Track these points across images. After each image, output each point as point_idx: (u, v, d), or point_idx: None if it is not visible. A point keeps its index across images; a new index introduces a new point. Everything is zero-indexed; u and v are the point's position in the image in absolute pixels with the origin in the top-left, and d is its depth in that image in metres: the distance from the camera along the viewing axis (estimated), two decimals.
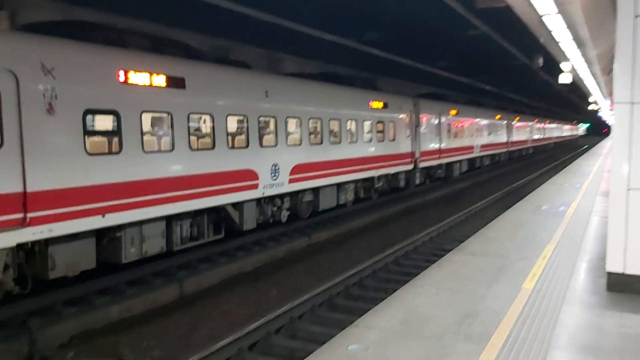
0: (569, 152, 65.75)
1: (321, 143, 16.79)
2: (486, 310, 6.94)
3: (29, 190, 8.49)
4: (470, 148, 32.73)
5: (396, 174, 22.70)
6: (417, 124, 24.24)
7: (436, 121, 26.85)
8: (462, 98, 36.17)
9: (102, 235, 10.24)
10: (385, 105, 21.22)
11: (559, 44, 13.80)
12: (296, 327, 9.06)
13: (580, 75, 22.60)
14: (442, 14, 16.69)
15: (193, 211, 12.13)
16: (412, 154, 23.77)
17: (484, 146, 35.50)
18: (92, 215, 9.53)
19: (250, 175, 13.65)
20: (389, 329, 6.33)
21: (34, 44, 8.97)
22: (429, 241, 15.30)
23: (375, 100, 20.67)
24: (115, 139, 10.14)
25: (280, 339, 8.67)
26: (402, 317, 6.73)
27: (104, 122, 10.20)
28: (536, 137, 53.99)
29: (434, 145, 26.51)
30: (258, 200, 14.34)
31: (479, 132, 34.78)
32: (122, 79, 10.16)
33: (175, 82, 11.31)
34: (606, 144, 61.27)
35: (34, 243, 8.94)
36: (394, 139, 21.90)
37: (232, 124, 13.30)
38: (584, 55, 16.00)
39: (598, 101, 43.05)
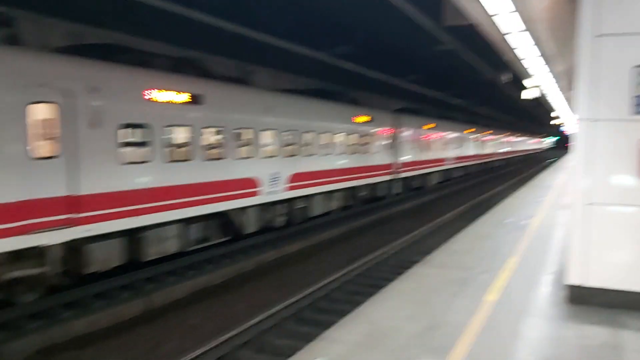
0: (534, 166, 66.90)
1: (313, 154, 18.28)
2: (449, 323, 7.05)
3: (78, 194, 9.87)
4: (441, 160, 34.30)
5: (377, 184, 24.31)
6: (397, 137, 25.89)
7: (413, 135, 28.41)
8: (435, 112, 36.57)
9: (128, 235, 11.41)
10: (369, 120, 22.86)
11: (523, 60, 14.14)
12: (263, 340, 9.05)
13: (545, 91, 23.13)
14: (411, 29, 17.02)
15: (202, 215, 13.36)
16: (391, 165, 25.40)
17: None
18: (126, 217, 11.02)
19: (252, 183, 15.04)
20: (354, 343, 6.39)
21: (84, 66, 10.42)
22: (396, 254, 15.43)
23: (360, 115, 22.19)
24: (144, 150, 11.58)
25: (247, 352, 8.64)
26: (366, 330, 6.80)
27: (135, 135, 11.54)
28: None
29: (411, 157, 28.22)
30: (259, 206, 15.61)
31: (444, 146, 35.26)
32: (150, 96, 11.64)
33: (194, 99, 12.83)
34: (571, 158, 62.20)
35: (75, 240, 10.03)
36: (376, 151, 23.60)
37: (239, 137, 14.63)
38: (549, 71, 16.40)
39: (562, 116, 43.98)
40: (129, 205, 11.05)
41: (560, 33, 10.88)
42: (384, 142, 24.56)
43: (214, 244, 14.34)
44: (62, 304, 10.23)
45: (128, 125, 11.20)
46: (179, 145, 12.65)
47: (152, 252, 12.03)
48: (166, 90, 11.98)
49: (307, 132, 17.90)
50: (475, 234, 13.76)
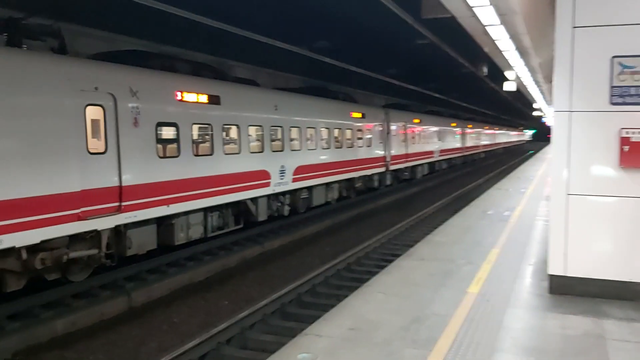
0: (516, 157, 67.50)
1: (315, 149, 19.85)
2: (433, 315, 7.08)
3: (123, 184, 11.15)
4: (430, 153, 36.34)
5: (371, 176, 25.97)
6: (388, 132, 27.39)
7: (401, 129, 29.81)
8: (420, 107, 37.24)
9: (160, 222, 12.69)
10: (364, 115, 24.44)
11: (503, 52, 14.18)
12: (247, 336, 9.01)
13: (524, 83, 23.28)
14: (390, 23, 16.96)
15: (220, 204, 14.66)
16: (384, 158, 27.04)
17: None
18: (161, 205, 12.32)
19: (265, 175, 16.44)
20: (338, 337, 6.38)
21: (125, 72, 11.67)
22: (380, 247, 15.46)
23: (355, 111, 23.73)
24: (175, 146, 12.91)
25: (230, 349, 8.60)
26: (351, 324, 6.79)
27: (168, 132, 12.86)
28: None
29: (402, 150, 29.77)
30: (269, 196, 16.98)
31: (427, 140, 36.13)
32: (179, 97, 12.99)
33: (214, 99, 14.19)
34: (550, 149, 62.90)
35: (119, 226, 11.34)
36: (370, 145, 25.24)
37: (252, 133, 16.09)
38: (527, 64, 16.48)
39: (542, 108, 44.36)
40: (163, 195, 12.38)
41: (538, 25, 10.93)
42: (376, 137, 26.08)
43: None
44: (41, 304, 10.10)
45: (161, 124, 12.50)
46: (203, 141, 14.06)
47: (181, 237, 13.36)
48: (190, 92, 13.37)
49: (309, 127, 19.44)
50: (458, 225, 13.84)
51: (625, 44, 7.42)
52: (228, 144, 14.92)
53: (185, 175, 13.03)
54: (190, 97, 13.35)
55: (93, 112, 10.72)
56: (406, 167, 31.26)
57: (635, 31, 7.38)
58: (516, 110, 64.30)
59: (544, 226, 12.98)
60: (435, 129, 37.62)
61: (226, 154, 14.67)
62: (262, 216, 16.82)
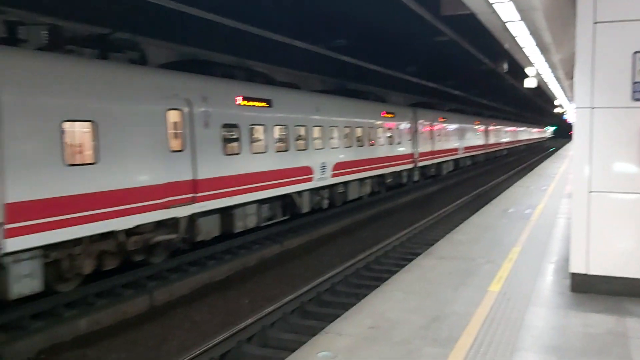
0: (537, 154, 66.80)
1: (351, 146, 21.40)
2: (453, 314, 7.04)
3: (197, 178, 12.80)
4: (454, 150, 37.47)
5: (400, 172, 27.39)
6: (416, 130, 28.76)
7: (428, 127, 31.02)
8: (443, 106, 37.74)
9: (222, 212, 14.18)
10: (394, 115, 25.99)
11: (523, 49, 14.04)
12: (267, 335, 9.06)
13: (545, 80, 23.02)
14: (409, 20, 16.87)
15: (270, 197, 16.16)
16: (412, 155, 28.51)
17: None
18: (225, 197, 13.93)
19: (308, 170, 18.09)
20: (358, 335, 6.38)
21: (197, 80, 13.35)
22: (399, 246, 15.41)
23: (386, 111, 25.25)
24: (236, 144, 14.54)
25: (251, 347, 8.65)
26: (371, 322, 6.79)
27: (231, 132, 14.45)
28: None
29: (428, 148, 31.00)
30: (311, 190, 18.56)
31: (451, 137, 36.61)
32: (238, 102, 14.66)
33: (267, 103, 15.87)
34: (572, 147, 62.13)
35: (193, 214, 12.92)
36: (400, 143, 26.75)
37: (298, 132, 17.73)
38: (548, 60, 16.29)
39: (563, 105, 43.82)
40: (227, 188, 13.94)
41: (559, 21, 10.80)
42: (405, 135, 27.47)
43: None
44: (64, 303, 10.23)
45: (226, 125, 14.09)
46: (258, 140, 15.55)
47: (240, 226, 14.85)
48: (247, 96, 14.96)
49: (346, 127, 21.01)
50: (478, 224, 13.75)
51: None
52: (278, 142, 16.48)
53: (244, 170, 14.67)
54: (247, 101, 14.97)
55: (172, 116, 12.32)
56: (432, 164, 32.32)
57: None
58: (537, 107, 63.59)
59: (566, 224, 12.84)
60: (459, 126, 38.41)
61: (277, 151, 16.27)
62: (306, 208, 18.42)
